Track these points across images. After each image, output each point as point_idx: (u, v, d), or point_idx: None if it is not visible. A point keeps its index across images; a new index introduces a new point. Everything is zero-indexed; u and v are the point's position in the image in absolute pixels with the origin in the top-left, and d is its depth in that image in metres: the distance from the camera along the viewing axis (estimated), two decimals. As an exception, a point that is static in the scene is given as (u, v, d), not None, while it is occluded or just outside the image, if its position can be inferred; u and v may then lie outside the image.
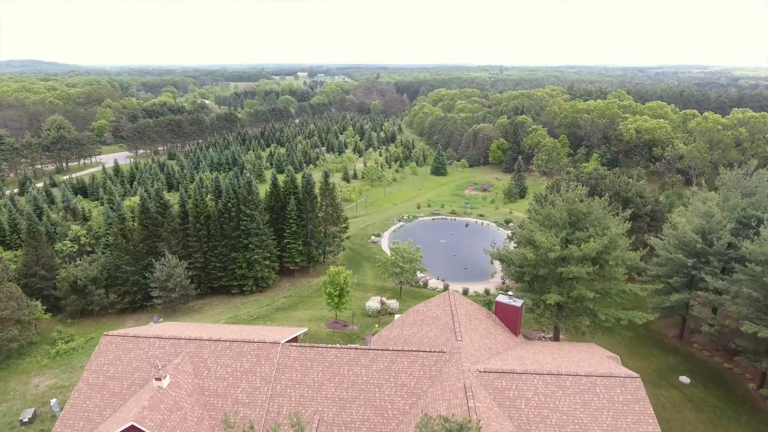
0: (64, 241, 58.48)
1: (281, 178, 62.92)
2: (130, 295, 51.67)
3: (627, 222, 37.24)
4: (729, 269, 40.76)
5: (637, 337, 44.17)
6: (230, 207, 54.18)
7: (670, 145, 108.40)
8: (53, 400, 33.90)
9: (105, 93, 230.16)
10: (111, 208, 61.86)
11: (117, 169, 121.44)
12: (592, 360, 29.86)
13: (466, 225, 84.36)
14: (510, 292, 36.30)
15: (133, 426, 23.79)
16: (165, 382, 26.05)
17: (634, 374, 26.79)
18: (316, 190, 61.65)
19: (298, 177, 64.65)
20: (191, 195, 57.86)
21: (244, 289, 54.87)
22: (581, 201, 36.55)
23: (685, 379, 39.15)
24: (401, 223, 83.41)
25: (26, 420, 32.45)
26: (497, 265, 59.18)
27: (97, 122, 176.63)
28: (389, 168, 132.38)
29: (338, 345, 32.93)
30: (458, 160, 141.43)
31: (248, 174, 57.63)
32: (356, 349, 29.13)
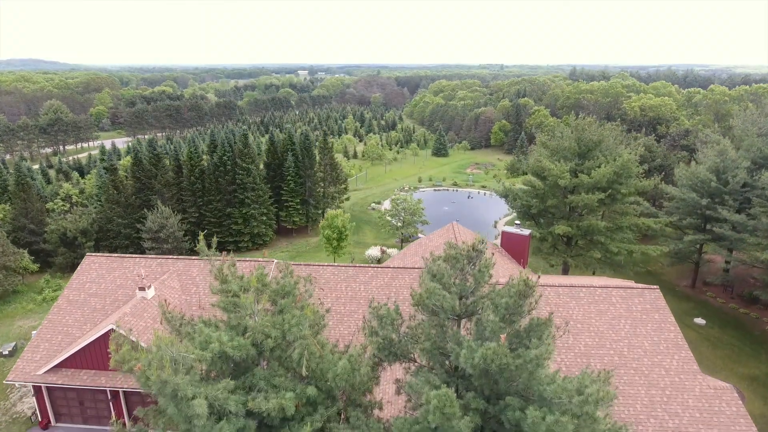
0: (56, 200, 56.80)
1: (279, 136, 61.21)
2: (122, 249, 49.96)
3: (641, 148, 35.47)
4: (745, 208, 39.06)
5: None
6: (226, 160, 52.49)
7: (675, 122, 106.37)
8: (34, 332, 32.14)
9: (104, 83, 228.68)
10: (104, 168, 60.13)
11: (115, 149, 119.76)
12: (606, 282, 28.14)
13: (469, 196, 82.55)
14: (517, 222, 34.55)
15: (112, 330, 22.10)
16: (149, 293, 24.34)
17: (653, 286, 25.07)
18: (315, 151, 59.94)
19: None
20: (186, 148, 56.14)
21: (239, 245, 53.15)
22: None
23: (700, 320, 37.35)
24: (403, 194, 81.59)
25: (6, 353, 30.76)
26: (500, 228, 57.41)
27: (95, 108, 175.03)
28: (390, 150, 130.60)
29: (335, 263, 31.09)
30: (459, 143, 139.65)
31: (245, 128, 55.83)
32: (354, 266, 27.40)
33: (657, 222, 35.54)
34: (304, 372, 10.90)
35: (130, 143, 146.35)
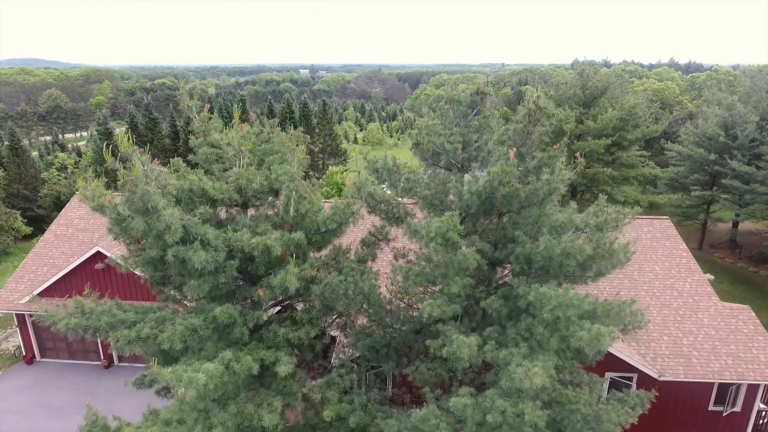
0: (51, 170, 55.87)
1: (278, 106, 60.33)
2: (117, 215, 49.00)
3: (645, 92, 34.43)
4: (753, 164, 38.00)
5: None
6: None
7: (678, 106, 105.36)
8: (24, 280, 31.20)
9: (104, 76, 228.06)
10: (100, 138, 59.19)
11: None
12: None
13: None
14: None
15: (99, 252, 21.18)
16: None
17: (663, 216, 24.09)
18: (315, 120, 59.01)
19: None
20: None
21: (237, 213, 52.18)
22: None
23: (709, 276, 36.20)
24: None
25: (-6, 300, 29.76)
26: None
27: (95, 98, 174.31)
28: (390, 138, 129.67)
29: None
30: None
31: (242, 94, 54.94)
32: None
33: (665, 171, 34.52)
34: (291, 213, 9.92)
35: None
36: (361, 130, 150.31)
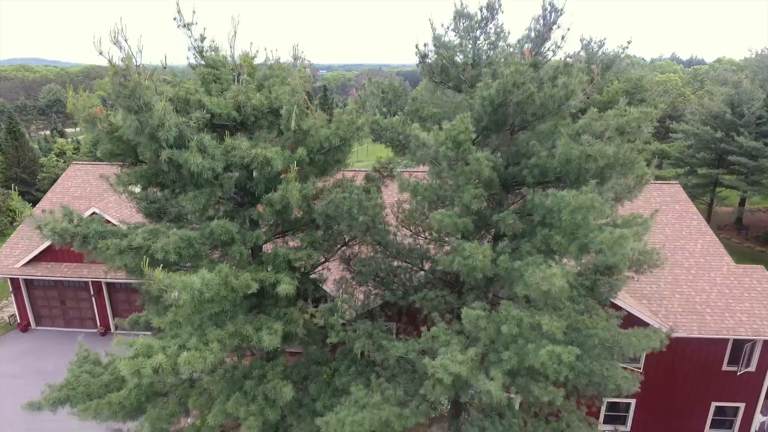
0: (50, 155, 55.39)
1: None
2: (116, 198, 48.51)
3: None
4: (760, 140, 37.47)
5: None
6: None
7: (681, 98, 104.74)
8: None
9: (105, 72, 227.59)
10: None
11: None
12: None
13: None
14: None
15: (95, 213, 20.66)
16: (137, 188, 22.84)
17: (672, 181, 23.57)
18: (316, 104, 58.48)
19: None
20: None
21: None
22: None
23: (715, 254, 35.77)
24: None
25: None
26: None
27: (96, 93, 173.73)
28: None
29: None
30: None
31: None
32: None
33: (671, 146, 33.97)
34: (292, 126, 9.39)
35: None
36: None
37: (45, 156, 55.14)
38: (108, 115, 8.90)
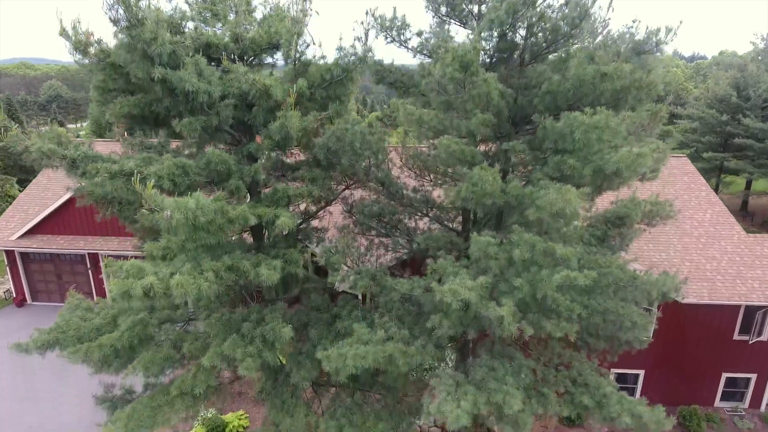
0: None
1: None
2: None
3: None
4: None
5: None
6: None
7: (685, 92, 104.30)
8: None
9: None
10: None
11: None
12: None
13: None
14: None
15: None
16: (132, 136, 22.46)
17: (680, 154, 23.14)
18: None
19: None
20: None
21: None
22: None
23: (721, 238, 35.36)
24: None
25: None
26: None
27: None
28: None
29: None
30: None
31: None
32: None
33: (677, 128, 33.55)
34: (293, 55, 8.99)
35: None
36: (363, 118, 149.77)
37: (44, 145, 54.73)
38: (100, 41, 8.49)
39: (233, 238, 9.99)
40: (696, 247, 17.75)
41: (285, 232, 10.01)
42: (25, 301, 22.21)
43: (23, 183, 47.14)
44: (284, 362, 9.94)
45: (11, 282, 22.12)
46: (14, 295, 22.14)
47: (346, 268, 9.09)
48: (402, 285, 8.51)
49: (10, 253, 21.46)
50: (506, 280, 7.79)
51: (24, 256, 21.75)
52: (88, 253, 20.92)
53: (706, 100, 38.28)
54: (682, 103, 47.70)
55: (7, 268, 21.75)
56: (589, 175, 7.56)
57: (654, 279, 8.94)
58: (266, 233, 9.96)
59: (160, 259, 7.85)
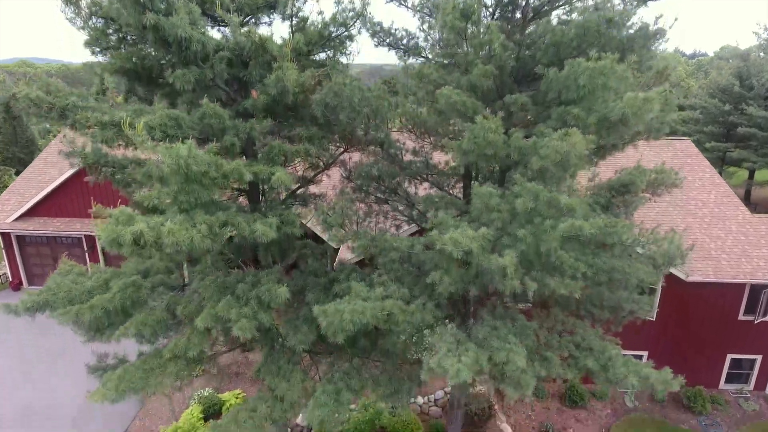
0: (48, 137, 54.91)
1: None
2: (115, 178, 47.95)
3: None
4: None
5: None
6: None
7: (687, 88, 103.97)
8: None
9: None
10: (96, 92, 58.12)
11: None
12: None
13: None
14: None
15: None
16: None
17: (684, 137, 22.89)
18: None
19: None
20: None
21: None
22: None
23: (724, 228, 35.10)
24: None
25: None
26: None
27: (97, 87, 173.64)
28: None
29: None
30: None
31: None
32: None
33: (680, 115, 33.30)
34: (289, 10, 8.76)
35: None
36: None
37: (43, 139, 54.60)
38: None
39: (229, 202, 9.77)
40: (700, 227, 17.51)
41: (282, 194, 9.80)
42: (22, 285, 22.00)
43: (22, 175, 47.03)
44: (280, 331, 9.71)
45: (7, 265, 21.91)
46: (10, 279, 21.92)
47: (343, 231, 8.85)
48: (402, 242, 8.28)
49: (6, 237, 21.24)
50: (509, 233, 7.55)
51: (20, 239, 21.54)
52: (84, 236, 20.71)
53: (708, 90, 38.03)
54: (684, 95, 47.42)
55: (3, 251, 21.53)
56: (594, 124, 7.32)
57: (660, 237, 8.70)
58: (262, 197, 9.73)
59: (150, 211, 7.61)
